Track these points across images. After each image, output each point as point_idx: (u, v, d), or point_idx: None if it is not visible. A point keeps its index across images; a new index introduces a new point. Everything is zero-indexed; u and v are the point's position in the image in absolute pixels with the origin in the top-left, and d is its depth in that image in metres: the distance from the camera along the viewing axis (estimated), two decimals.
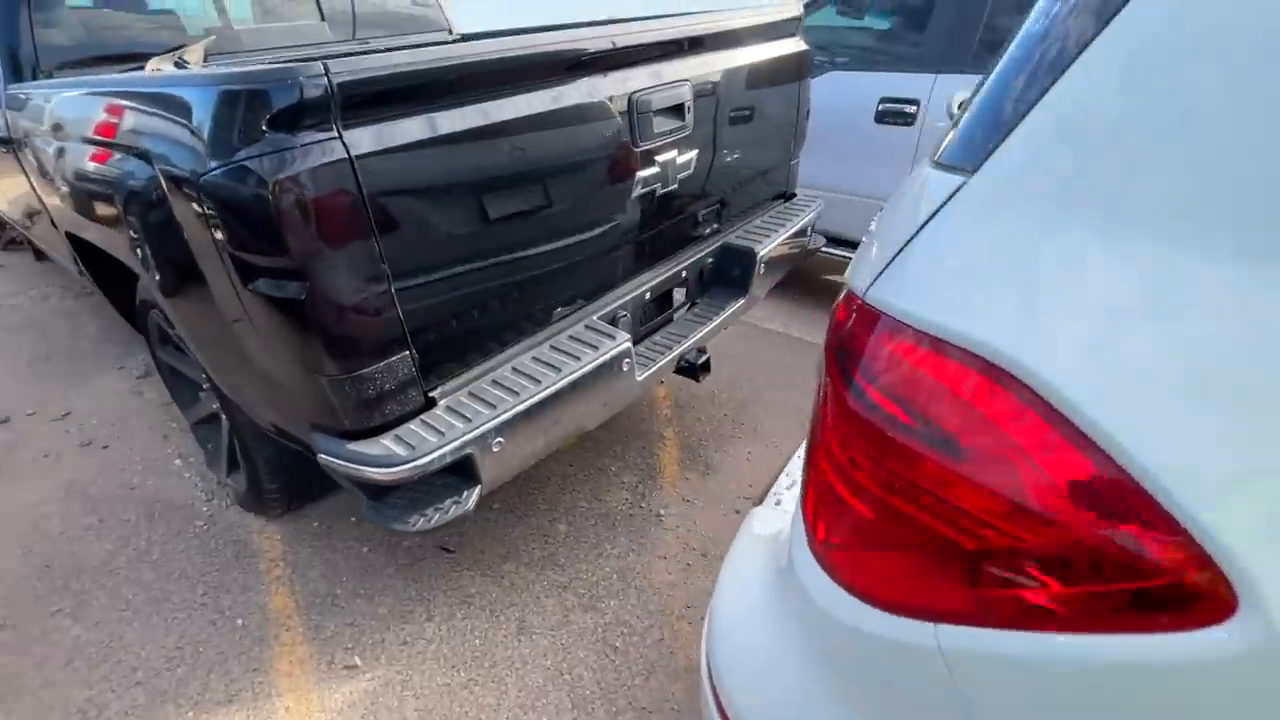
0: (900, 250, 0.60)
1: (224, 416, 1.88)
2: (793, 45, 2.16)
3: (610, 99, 1.47)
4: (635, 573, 1.89)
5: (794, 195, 2.50)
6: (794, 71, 2.19)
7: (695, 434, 2.57)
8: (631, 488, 2.24)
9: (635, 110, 1.52)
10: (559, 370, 1.45)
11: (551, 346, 1.54)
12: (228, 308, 1.25)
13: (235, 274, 1.14)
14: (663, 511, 2.13)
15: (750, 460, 2.43)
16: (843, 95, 3.55)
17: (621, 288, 1.74)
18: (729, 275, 2.11)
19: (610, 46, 1.43)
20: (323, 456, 1.27)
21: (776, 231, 2.18)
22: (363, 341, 1.18)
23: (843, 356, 0.65)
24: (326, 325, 1.13)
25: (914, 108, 3.33)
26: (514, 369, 1.45)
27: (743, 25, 1.88)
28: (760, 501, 1.10)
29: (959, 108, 0.97)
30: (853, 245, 3.82)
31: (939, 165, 0.64)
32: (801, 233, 2.30)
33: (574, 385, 1.46)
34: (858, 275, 0.68)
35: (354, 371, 1.18)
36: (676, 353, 1.85)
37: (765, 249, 2.07)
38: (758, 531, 0.97)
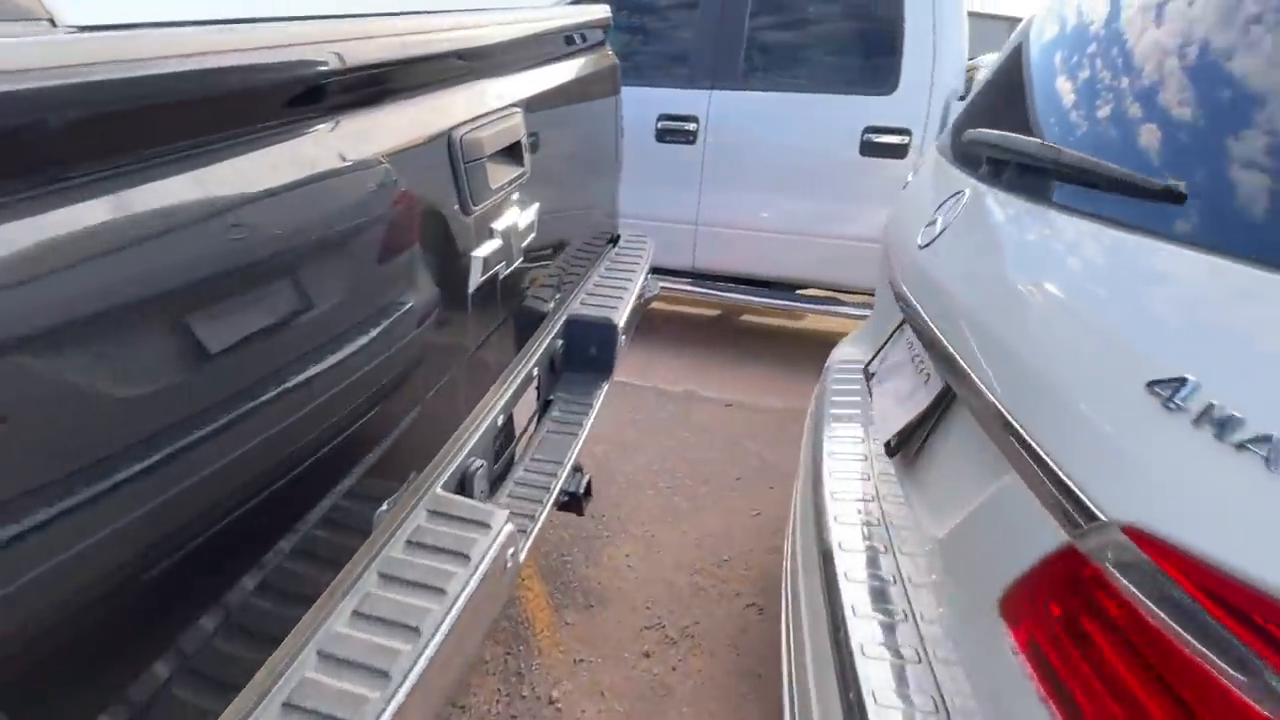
0: None
1: None
2: (606, 55, 1.72)
3: (424, 140, 0.86)
4: None
5: (618, 237, 2.07)
6: (609, 87, 1.75)
7: (554, 547, 2.01)
8: (500, 665, 1.61)
9: (461, 156, 0.93)
10: (417, 631, 0.80)
11: (383, 576, 0.87)
12: None
13: None
14: (555, 693, 1.54)
15: (632, 567, 1.96)
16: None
17: (465, 424, 1.12)
18: (585, 355, 1.60)
19: (421, 53, 0.82)
20: None
21: (626, 288, 1.73)
22: None
23: None
24: None
25: (694, 125, 3.16)
26: (323, 656, 0.76)
27: (559, 26, 1.38)
28: None
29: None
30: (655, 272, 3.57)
31: None
32: (646, 301, 1.89)
33: (448, 636, 0.82)
34: None
35: None
36: (555, 490, 1.29)
37: (624, 315, 1.61)
38: None
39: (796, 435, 2.96)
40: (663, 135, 3.20)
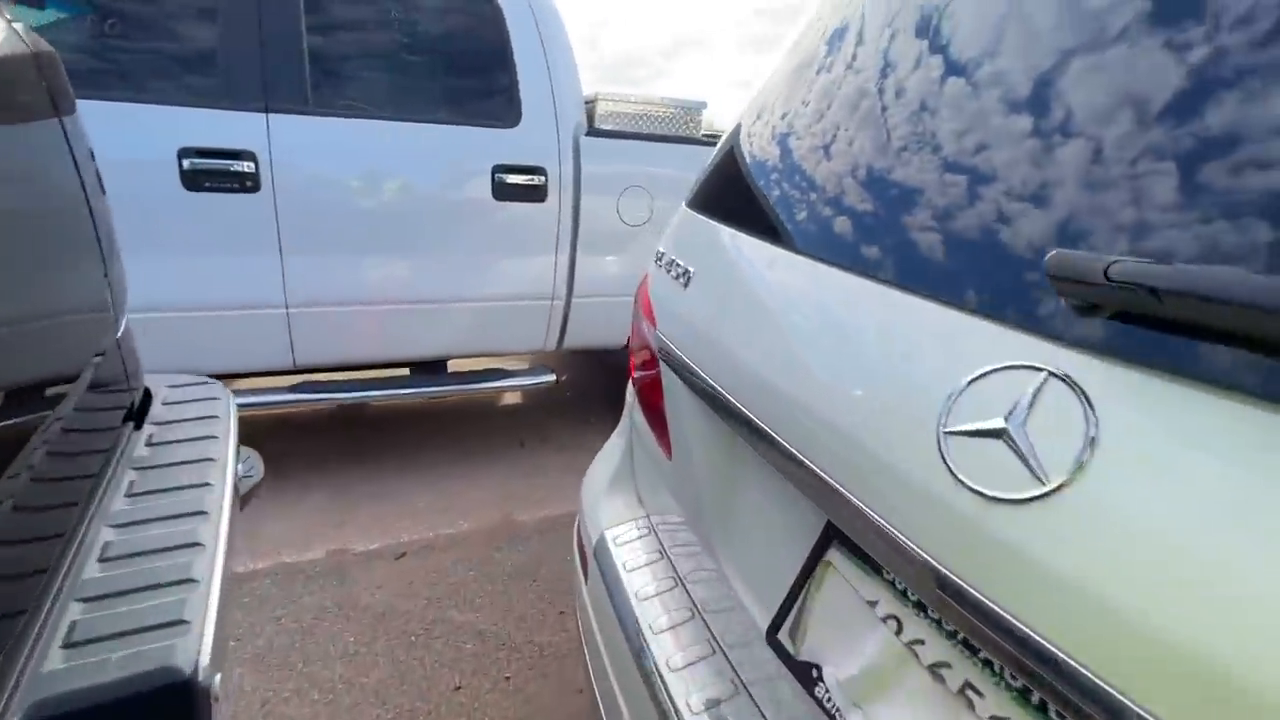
0: None
1: None
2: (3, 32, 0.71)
3: None
4: None
5: (150, 399, 1.03)
6: (40, 99, 0.75)
7: None
8: None
9: None
10: None
11: None
12: None
13: None
14: None
15: None
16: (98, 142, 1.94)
17: None
18: None
19: None
20: None
21: (194, 539, 0.78)
22: None
23: None
24: None
25: (251, 165, 2.10)
26: None
27: None
28: None
29: None
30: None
31: None
32: (245, 498, 0.94)
33: None
34: None
35: None
36: None
37: (205, 636, 0.67)
38: None
39: (508, 572, 2.21)
40: (198, 180, 2.04)
